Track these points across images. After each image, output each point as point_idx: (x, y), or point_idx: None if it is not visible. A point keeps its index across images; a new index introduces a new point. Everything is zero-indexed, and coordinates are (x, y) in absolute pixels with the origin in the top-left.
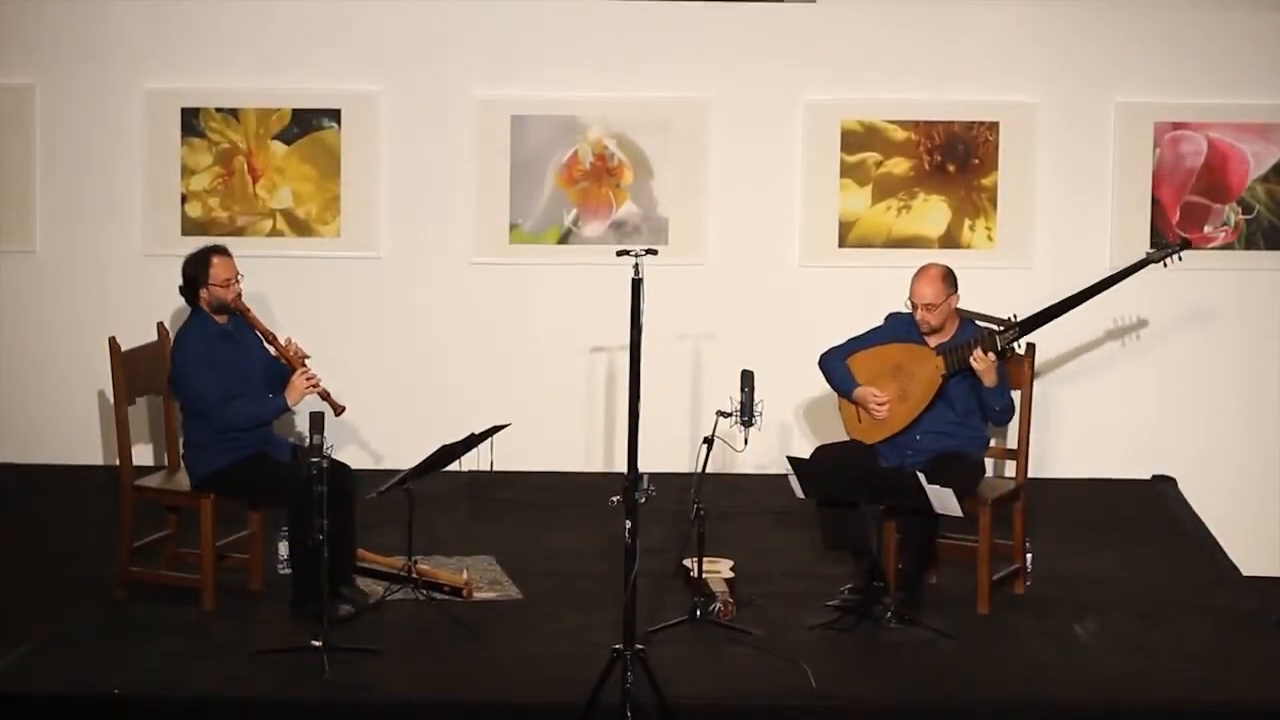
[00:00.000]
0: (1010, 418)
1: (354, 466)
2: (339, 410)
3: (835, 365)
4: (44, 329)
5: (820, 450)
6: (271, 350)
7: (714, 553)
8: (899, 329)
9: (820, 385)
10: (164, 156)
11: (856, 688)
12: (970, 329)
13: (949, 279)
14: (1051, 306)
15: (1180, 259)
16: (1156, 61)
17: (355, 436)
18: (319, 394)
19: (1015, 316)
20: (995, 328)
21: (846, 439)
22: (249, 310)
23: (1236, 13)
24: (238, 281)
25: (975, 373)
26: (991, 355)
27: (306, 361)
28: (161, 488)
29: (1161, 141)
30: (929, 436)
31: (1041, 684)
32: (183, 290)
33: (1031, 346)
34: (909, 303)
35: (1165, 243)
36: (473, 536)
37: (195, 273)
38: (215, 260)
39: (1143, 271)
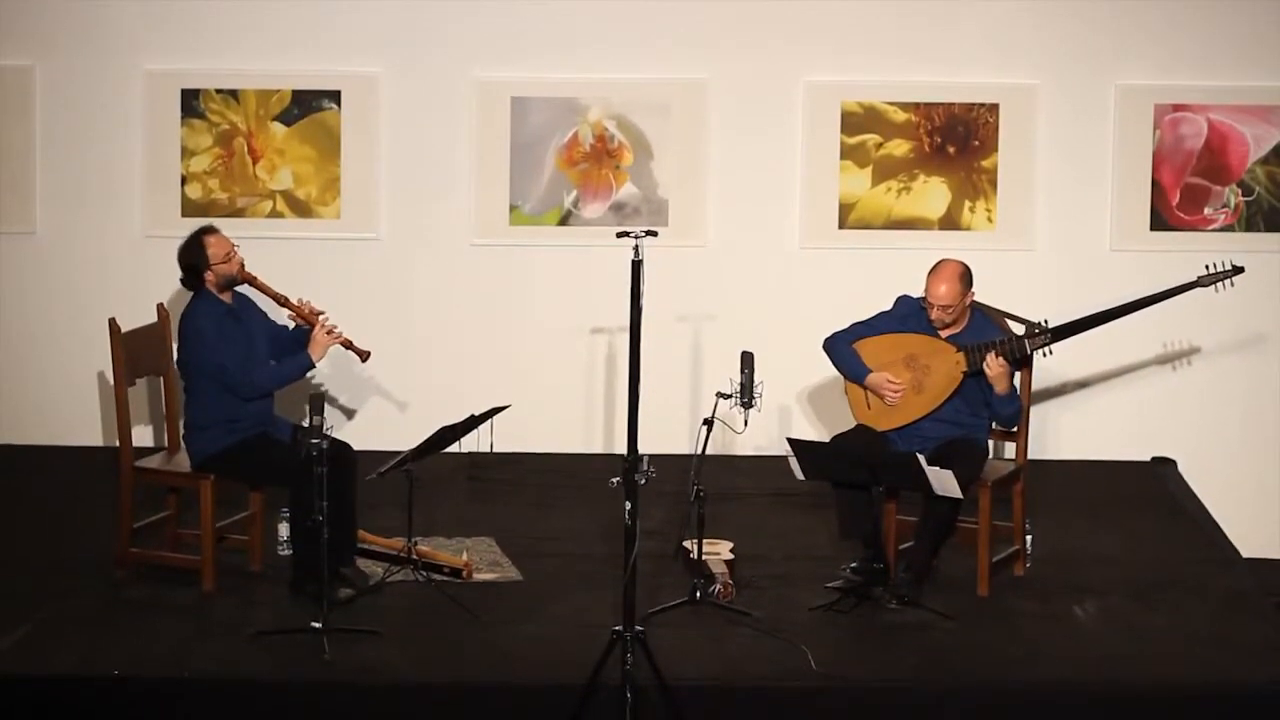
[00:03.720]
0: (1017, 422)
1: (354, 447)
2: (364, 356)
3: (842, 350)
4: (44, 310)
5: (837, 439)
6: (286, 312)
7: (714, 534)
8: (909, 315)
9: (821, 367)
10: (164, 138)
11: (856, 669)
12: (980, 320)
13: (966, 278)
14: (1089, 317)
15: (1232, 284)
16: (1157, 44)
17: (355, 418)
18: (342, 344)
19: (1046, 322)
20: (1023, 332)
21: (855, 425)
22: (255, 278)
23: None
24: (236, 252)
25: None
26: (1003, 361)
27: (321, 316)
28: (161, 469)
29: (1161, 123)
30: (939, 424)
31: (1041, 665)
32: (185, 280)
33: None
34: (925, 302)
35: (1219, 268)
36: (473, 518)
37: (194, 259)
38: (209, 240)
39: (1142, 255)
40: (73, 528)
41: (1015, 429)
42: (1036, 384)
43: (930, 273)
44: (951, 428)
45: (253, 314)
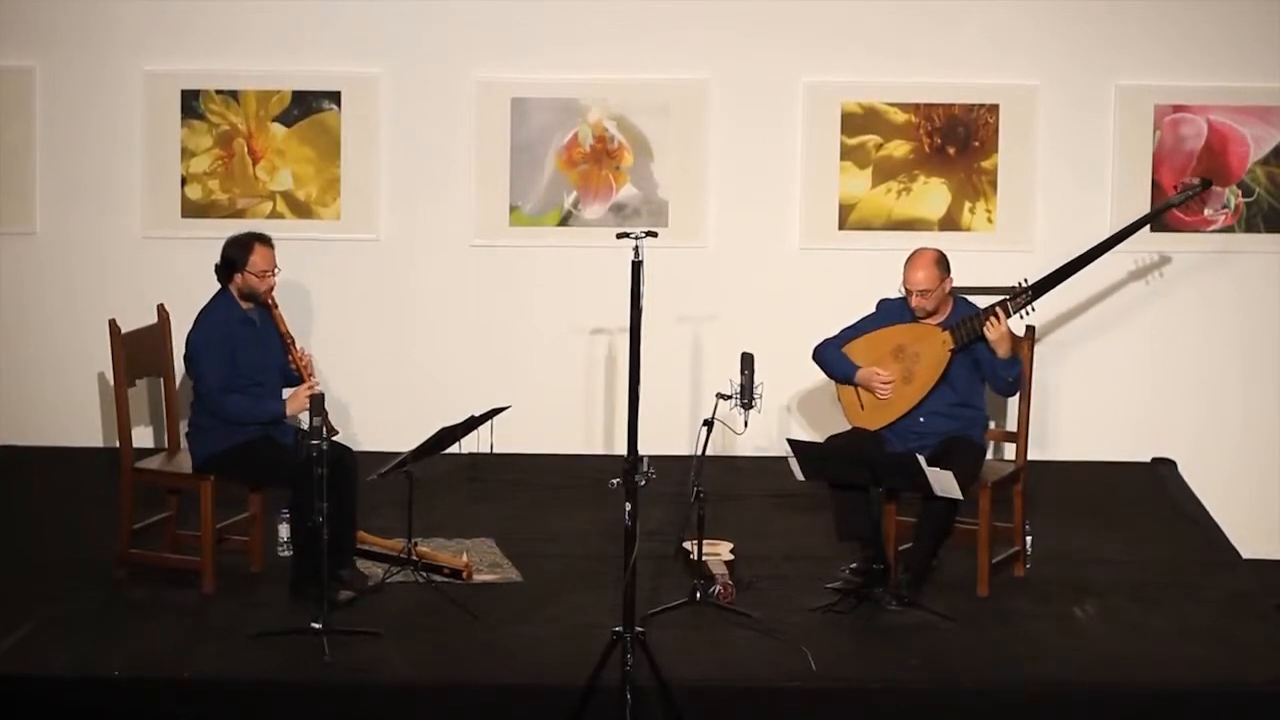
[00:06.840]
0: (1019, 389)
1: (354, 449)
2: (333, 432)
3: (831, 354)
4: (44, 311)
5: (831, 440)
6: (288, 355)
7: (714, 535)
8: (892, 314)
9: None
10: (164, 139)
11: (856, 670)
12: (963, 305)
13: (942, 262)
14: (1066, 265)
15: (1204, 202)
16: (1157, 44)
17: (355, 419)
18: None
19: (1026, 280)
20: (1007, 297)
21: (850, 429)
22: (276, 307)
23: None
24: (274, 274)
25: (988, 343)
26: (1005, 322)
27: (312, 379)
28: (162, 470)
29: (1162, 124)
30: (932, 418)
31: (1041, 666)
32: (218, 268)
33: (1031, 329)
34: (902, 289)
35: (1188, 184)
36: (473, 519)
37: (235, 255)
38: (258, 248)
39: (1143, 256)
40: (73, 528)
41: (1011, 395)
42: (1037, 384)
43: (906, 263)
44: (944, 420)
45: (271, 327)
